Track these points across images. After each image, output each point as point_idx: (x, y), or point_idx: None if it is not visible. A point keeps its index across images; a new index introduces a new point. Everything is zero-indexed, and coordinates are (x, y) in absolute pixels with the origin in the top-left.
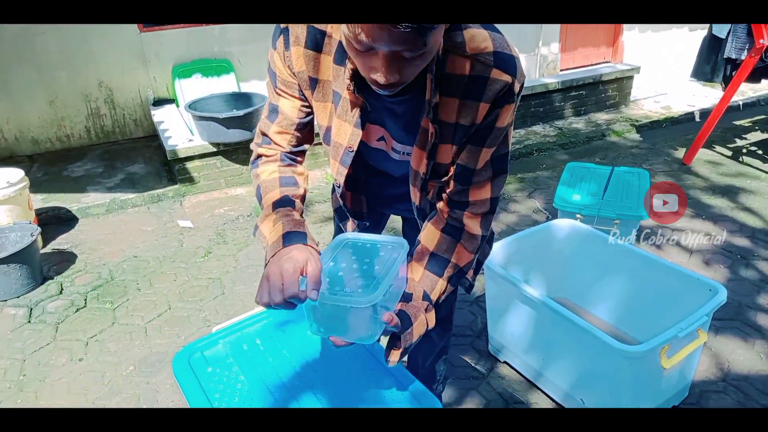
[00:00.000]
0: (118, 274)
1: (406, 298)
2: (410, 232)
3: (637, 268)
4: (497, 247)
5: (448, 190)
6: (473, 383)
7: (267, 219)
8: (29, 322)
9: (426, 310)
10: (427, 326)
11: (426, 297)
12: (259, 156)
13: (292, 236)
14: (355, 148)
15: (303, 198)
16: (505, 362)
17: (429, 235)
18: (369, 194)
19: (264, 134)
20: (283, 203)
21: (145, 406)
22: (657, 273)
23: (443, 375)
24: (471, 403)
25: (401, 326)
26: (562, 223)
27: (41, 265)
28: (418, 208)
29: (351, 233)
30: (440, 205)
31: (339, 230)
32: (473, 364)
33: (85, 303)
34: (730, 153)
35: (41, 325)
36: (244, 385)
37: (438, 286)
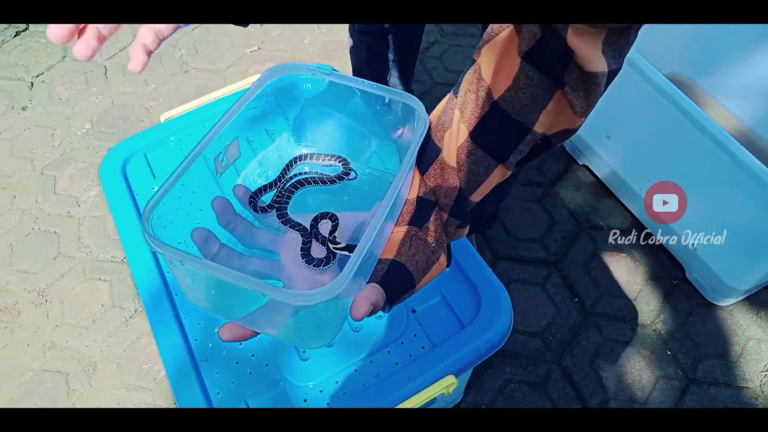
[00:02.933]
0: None
1: (421, 213)
2: None
3: None
4: None
5: None
6: (536, 193)
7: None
8: None
9: (450, 236)
10: (447, 263)
11: (460, 209)
12: None
13: None
14: None
15: None
16: (584, 166)
17: (497, 61)
18: None
19: None
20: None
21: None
22: None
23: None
24: (530, 223)
25: (391, 296)
26: None
27: None
28: None
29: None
30: None
31: None
32: (537, 166)
33: (27, 24)
34: None
35: None
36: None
37: (492, 176)
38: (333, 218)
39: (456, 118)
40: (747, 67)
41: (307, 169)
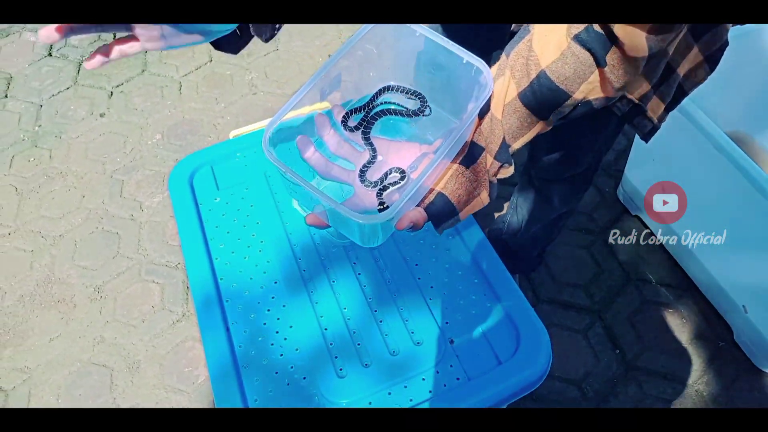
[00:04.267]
0: None
1: (471, 156)
2: None
3: None
4: None
5: None
6: (585, 239)
7: None
8: (50, 55)
9: (494, 174)
10: (490, 198)
11: (503, 153)
12: None
13: None
14: None
15: None
16: (636, 217)
17: (547, 36)
18: None
19: None
20: None
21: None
22: None
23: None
24: (575, 269)
25: (435, 221)
26: None
27: None
28: None
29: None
30: None
31: None
32: (588, 212)
33: (114, 36)
34: None
35: (62, 61)
36: (263, 238)
37: (533, 130)
38: (402, 175)
39: (507, 78)
40: None
41: (392, 99)
